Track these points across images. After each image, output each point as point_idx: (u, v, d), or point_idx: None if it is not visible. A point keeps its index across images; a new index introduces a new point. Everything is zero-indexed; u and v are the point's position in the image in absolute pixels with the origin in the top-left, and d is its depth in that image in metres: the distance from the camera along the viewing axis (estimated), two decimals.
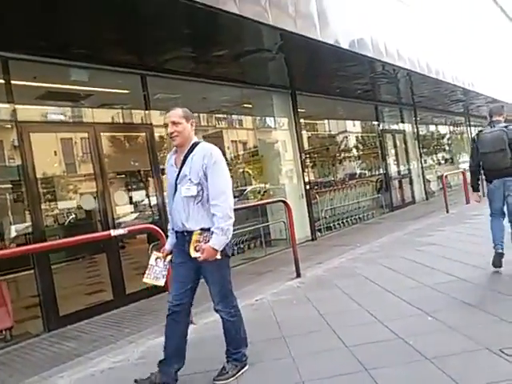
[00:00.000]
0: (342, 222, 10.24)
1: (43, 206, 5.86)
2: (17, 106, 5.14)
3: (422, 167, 15.06)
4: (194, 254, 2.69)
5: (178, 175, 2.77)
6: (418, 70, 9.70)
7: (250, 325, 3.79)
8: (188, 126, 2.81)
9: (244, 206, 7.45)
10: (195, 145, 2.80)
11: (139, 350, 3.54)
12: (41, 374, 3.37)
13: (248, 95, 9.11)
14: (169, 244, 2.98)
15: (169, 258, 2.96)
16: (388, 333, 3.21)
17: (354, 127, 16.42)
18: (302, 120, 9.76)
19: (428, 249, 6.02)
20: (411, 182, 14.28)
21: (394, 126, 14.51)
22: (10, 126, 5.27)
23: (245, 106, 10.09)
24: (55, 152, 12.35)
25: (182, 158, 2.79)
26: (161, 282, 2.99)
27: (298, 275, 5.27)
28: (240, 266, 7.13)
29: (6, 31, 4.69)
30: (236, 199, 11.34)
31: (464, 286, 4.13)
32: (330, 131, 14.95)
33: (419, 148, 15.13)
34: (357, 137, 15.90)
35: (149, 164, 6.56)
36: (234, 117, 13.43)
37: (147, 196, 8.02)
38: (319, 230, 9.39)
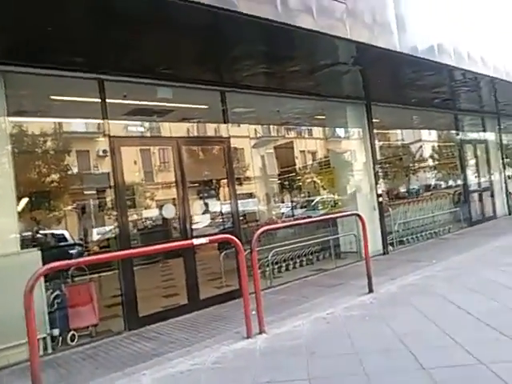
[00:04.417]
0: (416, 237, 9.83)
1: (129, 213, 6.28)
2: (110, 122, 5.63)
3: (505, 179, 14.02)
4: None
5: None
6: (504, 77, 9.09)
7: (322, 337, 3.85)
8: None
9: (319, 218, 7.45)
10: None
11: (214, 356, 3.68)
12: (124, 371, 3.63)
13: (321, 107, 9.17)
14: None
15: None
16: (469, 357, 3.05)
17: (429, 136, 15.77)
18: (375, 130, 9.56)
19: None
20: (492, 195, 13.31)
21: (475, 136, 13.67)
22: (100, 139, 5.75)
23: (317, 117, 10.13)
24: (135, 161, 13.31)
25: None
26: None
27: (371, 290, 5.16)
28: (310, 277, 7.16)
29: (102, 57, 5.25)
30: (304, 209, 11.40)
31: None
32: (402, 140, 14.49)
33: (502, 159, 14.10)
34: (433, 146, 15.23)
35: (225, 174, 6.81)
36: (305, 128, 13.51)
37: (220, 205, 8.33)
38: (391, 244, 9.10)
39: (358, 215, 5.75)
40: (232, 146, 7.02)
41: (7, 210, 4.81)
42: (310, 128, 14.08)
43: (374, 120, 9.20)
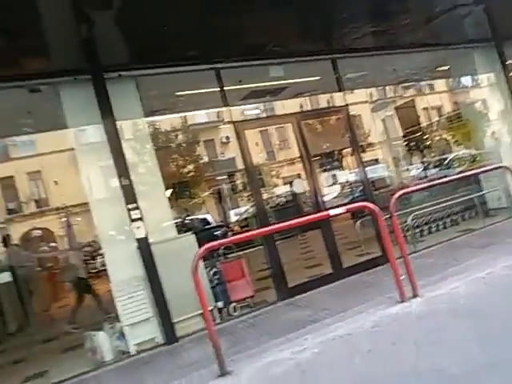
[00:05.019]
0: None
1: (262, 191, 6.59)
2: (231, 108, 5.94)
3: None
4: None
5: None
6: None
7: (483, 299, 3.63)
8: None
9: (462, 175, 6.89)
10: None
11: (371, 320, 3.73)
12: (287, 336, 3.87)
13: (443, 57, 8.38)
14: None
15: None
16: None
17: None
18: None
19: None
20: None
21: None
22: (222, 127, 6.11)
23: (439, 69, 9.30)
24: (257, 143, 13.91)
25: None
26: None
27: None
28: (456, 238, 6.75)
29: (214, 46, 5.51)
30: (437, 169, 10.65)
31: None
32: None
33: None
34: None
35: (348, 142, 6.73)
36: (425, 83, 12.50)
37: (346, 174, 8.27)
38: None
39: (506, 167, 5.23)
40: (351, 113, 6.88)
41: (161, 202, 5.49)
42: (430, 83, 13.01)
43: (509, 61, 8.13)
